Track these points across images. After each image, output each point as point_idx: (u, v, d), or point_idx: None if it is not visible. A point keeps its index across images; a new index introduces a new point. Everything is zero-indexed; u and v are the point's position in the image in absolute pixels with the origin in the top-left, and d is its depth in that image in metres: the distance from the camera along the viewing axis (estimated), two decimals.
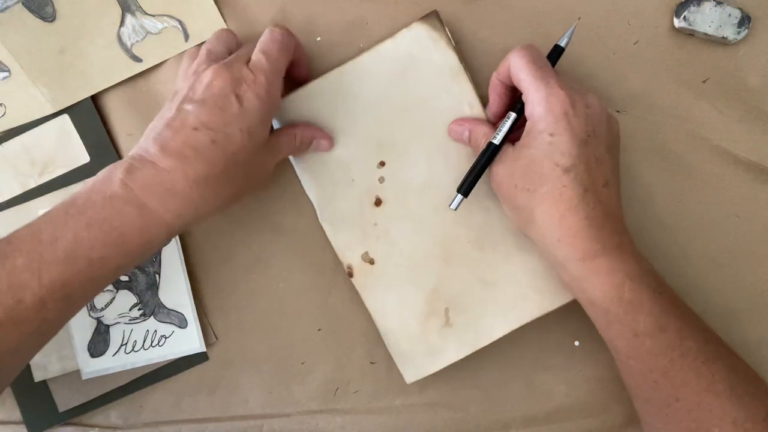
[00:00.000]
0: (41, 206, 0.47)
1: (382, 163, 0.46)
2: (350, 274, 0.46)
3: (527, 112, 0.39)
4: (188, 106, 0.38)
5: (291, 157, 0.47)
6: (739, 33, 0.44)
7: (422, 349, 0.45)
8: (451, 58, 0.45)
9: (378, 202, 0.46)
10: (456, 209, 0.42)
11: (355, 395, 0.47)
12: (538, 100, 0.38)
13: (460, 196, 0.42)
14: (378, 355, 0.47)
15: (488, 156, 0.41)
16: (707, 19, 0.44)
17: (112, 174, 0.37)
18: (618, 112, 0.46)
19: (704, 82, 0.46)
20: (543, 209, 0.38)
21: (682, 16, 0.44)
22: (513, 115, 0.41)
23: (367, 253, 0.46)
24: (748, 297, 0.46)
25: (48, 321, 0.36)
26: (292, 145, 0.43)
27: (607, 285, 0.38)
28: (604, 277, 0.38)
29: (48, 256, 0.35)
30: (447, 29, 0.45)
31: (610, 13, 0.46)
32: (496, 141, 0.41)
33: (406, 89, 0.46)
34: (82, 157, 0.47)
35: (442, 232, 0.46)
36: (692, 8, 0.44)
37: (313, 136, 0.44)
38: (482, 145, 0.42)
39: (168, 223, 0.38)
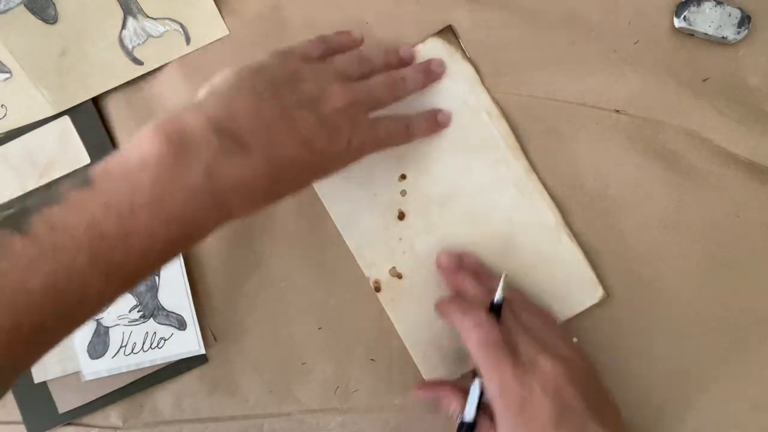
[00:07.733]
0: None
1: (403, 176, 0.46)
2: (377, 289, 0.46)
3: (488, 396, 0.37)
4: (308, 115, 0.35)
5: None
6: (739, 33, 0.45)
7: (451, 357, 0.45)
8: (468, 69, 0.46)
9: (401, 216, 0.46)
10: None
11: (356, 394, 0.47)
12: (493, 391, 0.36)
13: None
14: (378, 353, 0.47)
15: None
16: (707, 19, 0.44)
17: (189, 154, 0.30)
18: (618, 112, 0.46)
19: (704, 81, 0.46)
20: None
21: (682, 16, 0.45)
22: (478, 382, 0.38)
23: (394, 267, 0.46)
24: (748, 297, 0.46)
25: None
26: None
27: None
28: None
29: (118, 257, 0.29)
30: (461, 42, 0.45)
31: (610, 13, 0.46)
32: (468, 418, 0.38)
33: (423, 102, 0.46)
34: (83, 159, 0.47)
35: (466, 243, 0.46)
36: (692, 8, 0.44)
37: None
38: (456, 419, 0.38)
39: (232, 220, 0.33)
